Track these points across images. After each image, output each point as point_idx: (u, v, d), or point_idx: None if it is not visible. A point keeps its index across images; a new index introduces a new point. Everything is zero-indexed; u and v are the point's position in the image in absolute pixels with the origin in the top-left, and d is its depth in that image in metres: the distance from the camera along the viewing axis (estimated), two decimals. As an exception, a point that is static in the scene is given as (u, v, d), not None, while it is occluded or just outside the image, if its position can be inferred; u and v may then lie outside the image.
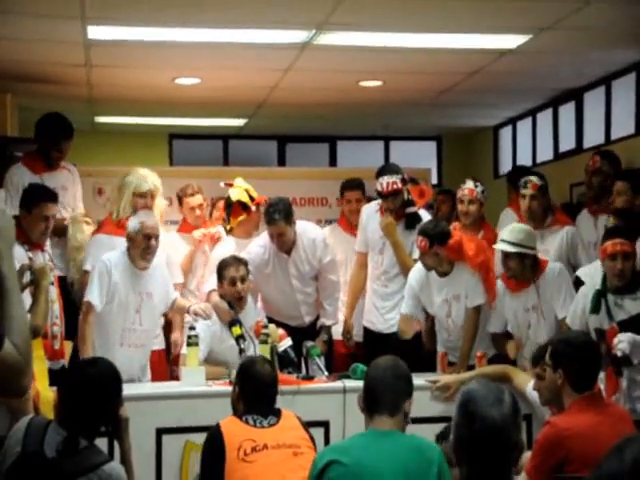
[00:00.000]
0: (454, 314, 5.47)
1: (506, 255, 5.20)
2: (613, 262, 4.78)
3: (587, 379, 3.83)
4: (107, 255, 5.41)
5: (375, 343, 5.97)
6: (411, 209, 5.94)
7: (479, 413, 2.53)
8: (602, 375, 4.43)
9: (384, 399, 3.27)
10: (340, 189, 6.77)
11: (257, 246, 5.96)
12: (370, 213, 6.10)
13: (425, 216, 6.02)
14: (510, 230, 5.26)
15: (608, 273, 4.82)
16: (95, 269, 5.34)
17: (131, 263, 5.35)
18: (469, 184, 6.04)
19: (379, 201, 6.02)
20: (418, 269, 5.55)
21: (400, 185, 5.83)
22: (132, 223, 5.36)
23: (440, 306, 5.49)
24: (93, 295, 5.24)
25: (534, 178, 5.93)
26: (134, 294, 5.34)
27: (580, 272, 5.43)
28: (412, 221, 5.89)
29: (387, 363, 3.36)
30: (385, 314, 6.00)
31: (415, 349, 5.65)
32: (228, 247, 6.13)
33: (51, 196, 5.44)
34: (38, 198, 5.34)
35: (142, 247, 5.30)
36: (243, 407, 3.86)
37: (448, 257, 5.38)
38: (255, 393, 3.87)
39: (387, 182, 5.82)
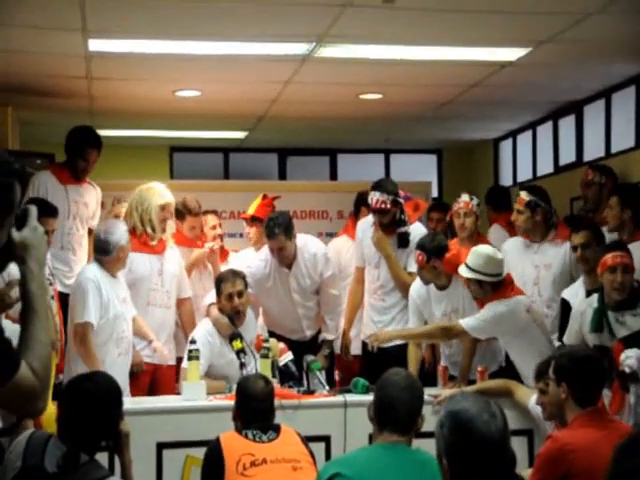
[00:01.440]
0: None
1: (466, 278, 5.21)
2: (613, 275, 4.75)
3: (591, 393, 3.81)
4: (89, 271, 5.45)
5: (374, 357, 5.95)
6: (403, 229, 5.91)
7: (477, 432, 2.44)
8: (606, 391, 4.41)
9: (400, 418, 3.26)
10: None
11: (258, 260, 5.96)
12: (365, 228, 6.09)
13: (420, 229, 6.00)
14: (472, 253, 5.23)
15: (607, 287, 4.78)
16: (85, 288, 5.30)
17: (106, 273, 5.40)
18: (464, 197, 6.01)
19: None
20: (418, 283, 5.56)
21: (389, 206, 5.80)
22: (118, 236, 5.40)
23: (440, 320, 5.49)
24: (90, 315, 5.25)
25: (523, 193, 5.87)
26: (119, 302, 5.42)
27: (565, 294, 5.41)
28: (404, 240, 5.88)
29: (405, 382, 3.33)
30: (382, 328, 5.97)
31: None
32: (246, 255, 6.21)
33: (51, 210, 5.44)
34: (38, 212, 5.32)
35: (126, 258, 5.44)
36: (241, 424, 3.88)
37: (446, 271, 5.38)
38: (249, 409, 3.90)
39: (377, 199, 5.81)
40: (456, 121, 8.85)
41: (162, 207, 5.92)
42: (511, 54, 6.36)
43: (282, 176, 10.20)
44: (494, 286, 5.16)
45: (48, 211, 5.41)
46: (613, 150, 7.59)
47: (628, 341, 4.66)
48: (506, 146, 9.80)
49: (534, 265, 5.77)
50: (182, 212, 6.43)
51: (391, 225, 5.90)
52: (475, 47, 6.19)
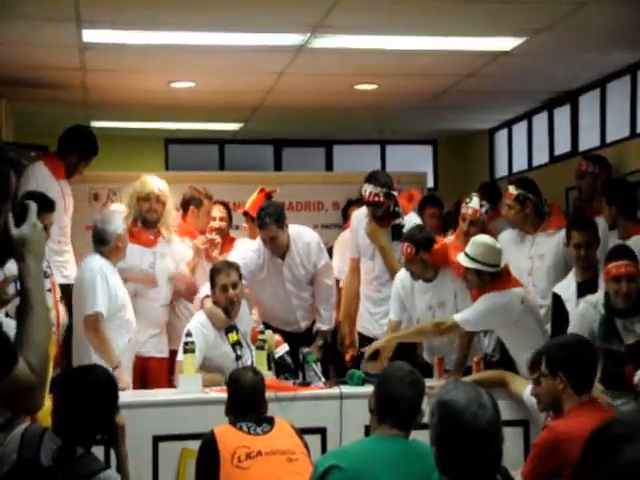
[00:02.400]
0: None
1: (465, 268, 5.18)
2: (618, 284, 4.68)
3: (588, 379, 3.84)
4: (94, 262, 5.49)
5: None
6: (397, 221, 5.89)
7: (464, 423, 2.44)
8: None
9: (402, 413, 3.27)
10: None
11: (251, 251, 5.95)
12: (360, 219, 6.08)
13: (415, 220, 5.98)
14: (471, 243, 5.21)
15: (612, 295, 4.73)
16: (93, 280, 5.36)
17: (109, 263, 5.45)
18: (474, 203, 5.81)
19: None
20: (404, 273, 5.55)
21: (382, 199, 5.79)
22: (115, 226, 5.45)
23: (424, 312, 5.48)
24: (100, 305, 5.31)
25: (511, 187, 5.83)
26: (122, 289, 5.52)
27: (556, 288, 5.39)
28: (398, 233, 5.86)
29: (410, 377, 3.34)
30: (379, 320, 5.98)
31: (410, 355, 5.63)
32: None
33: (49, 205, 5.43)
34: (38, 207, 5.30)
35: (125, 247, 5.52)
36: (233, 416, 3.92)
37: (433, 263, 5.37)
38: (240, 399, 3.93)
39: (370, 192, 5.80)
40: (451, 111, 8.84)
41: (139, 199, 5.95)
42: (506, 44, 6.34)
43: (278, 167, 10.18)
44: (492, 276, 5.15)
45: (47, 206, 5.40)
46: (608, 140, 7.58)
47: (633, 348, 4.63)
48: (501, 136, 9.79)
49: (528, 256, 5.76)
50: (197, 199, 6.40)
51: (385, 217, 5.89)
52: (470, 37, 6.19)
